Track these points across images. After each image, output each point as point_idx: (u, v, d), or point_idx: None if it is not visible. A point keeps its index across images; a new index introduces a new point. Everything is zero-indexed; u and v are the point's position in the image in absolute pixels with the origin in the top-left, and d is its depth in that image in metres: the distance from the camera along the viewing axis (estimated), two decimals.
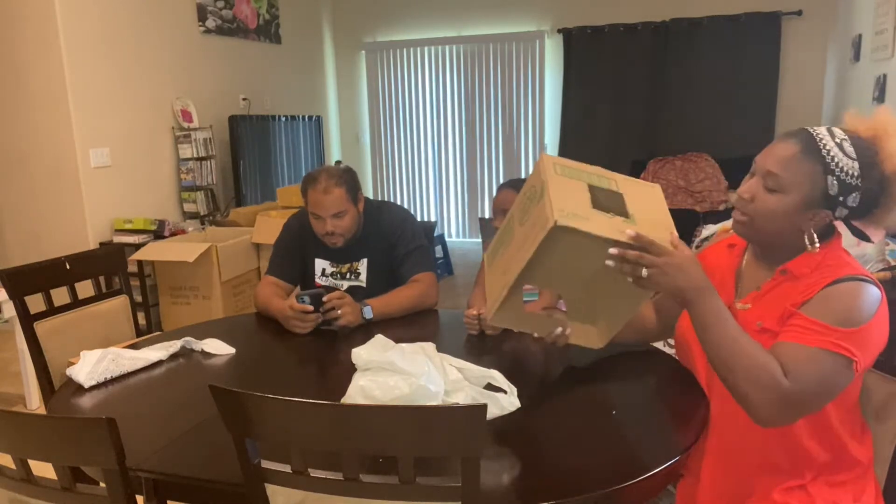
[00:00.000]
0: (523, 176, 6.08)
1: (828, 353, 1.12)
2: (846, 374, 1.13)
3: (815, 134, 1.19)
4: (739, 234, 1.30)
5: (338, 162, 5.61)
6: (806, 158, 1.17)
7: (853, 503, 1.23)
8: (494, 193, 2.23)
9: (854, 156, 1.17)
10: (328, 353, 1.77)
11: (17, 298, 1.87)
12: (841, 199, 1.18)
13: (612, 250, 1.18)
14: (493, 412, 1.23)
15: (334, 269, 2.18)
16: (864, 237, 1.28)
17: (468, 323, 1.82)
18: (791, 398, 1.12)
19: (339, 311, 1.86)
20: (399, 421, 0.90)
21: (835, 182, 1.16)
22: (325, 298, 1.85)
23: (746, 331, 1.22)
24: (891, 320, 1.26)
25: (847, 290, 1.15)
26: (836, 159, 1.16)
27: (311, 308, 1.85)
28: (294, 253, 2.21)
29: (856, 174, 1.16)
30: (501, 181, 6.49)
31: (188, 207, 4.52)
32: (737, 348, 1.15)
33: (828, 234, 1.25)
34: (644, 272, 1.17)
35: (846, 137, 1.19)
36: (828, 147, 1.17)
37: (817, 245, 1.21)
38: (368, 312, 1.93)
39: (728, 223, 2.48)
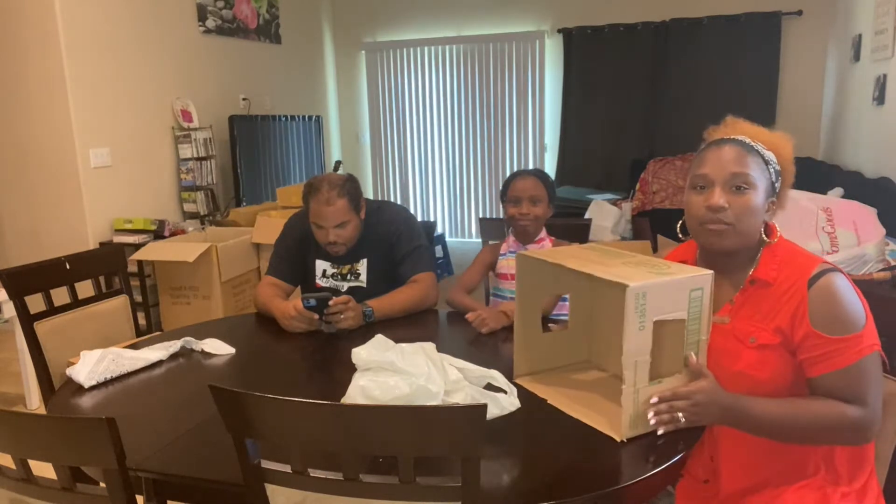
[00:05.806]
0: None
1: (864, 358, 1.18)
2: (878, 363, 1.21)
3: (738, 137, 1.31)
4: (721, 245, 1.28)
5: (338, 162, 5.60)
6: (752, 155, 1.28)
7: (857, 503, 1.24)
8: (504, 183, 2.17)
9: (763, 146, 1.31)
10: (328, 353, 1.77)
11: (17, 298, 1.87)
12: (776, 185, 1.31)
13: (650, 414, 1.19)
14: (493, 412, 1.23)
15: (335, 271, 2.18)
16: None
17: (476, 323, 1.83)
18: (869, 417, 1.18)
19: (342, 315, 1.87)
20: (399, 421, 0.90)
21: (772, 170, 1.30)
22: (331, 302, 1.86)
23: (739, 347, 1.25)
24: (890, 318, 1.30)
25: (831, 289, 1.20)
26: (762, 152, 1.30)
27: (316, 316, 1.86)
28: (294, 254, 2.20)
29: (774, 160, 1.31)
30: (501, 181, 6.46)
31: (188, 207, 4.52)
32: (798, 424, 1.20)
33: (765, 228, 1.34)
34: (681, 417, 1.19)
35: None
36: (751, 143, 1.30)
37: (777, 236, 1.30)
38: (370, 314, 1.93)
39: None
